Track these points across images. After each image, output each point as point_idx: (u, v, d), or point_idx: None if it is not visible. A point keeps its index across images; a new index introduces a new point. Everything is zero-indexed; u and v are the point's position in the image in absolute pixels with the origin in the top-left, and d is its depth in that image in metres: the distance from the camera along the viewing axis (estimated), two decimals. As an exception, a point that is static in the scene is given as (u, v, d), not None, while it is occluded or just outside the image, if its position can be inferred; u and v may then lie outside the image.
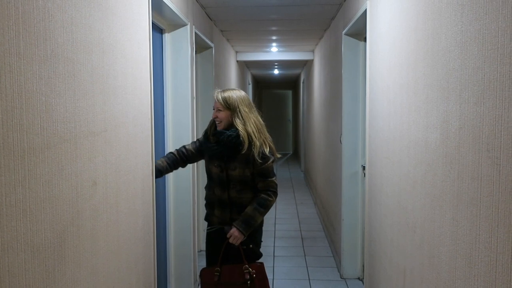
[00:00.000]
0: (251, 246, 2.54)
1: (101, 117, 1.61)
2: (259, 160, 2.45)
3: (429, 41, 1.67)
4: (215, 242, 2.59)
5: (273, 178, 2.53)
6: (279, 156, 2.63)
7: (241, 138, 2.44)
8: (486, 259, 1.20)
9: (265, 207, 2.49)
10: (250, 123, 2.47)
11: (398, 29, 2.15)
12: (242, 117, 2.47)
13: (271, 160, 2.51)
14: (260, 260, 2.64)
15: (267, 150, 2.48)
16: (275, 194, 2.54)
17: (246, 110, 2.48)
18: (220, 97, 2.51)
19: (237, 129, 2.45)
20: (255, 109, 2.58)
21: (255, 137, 2.45)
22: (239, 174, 2.47)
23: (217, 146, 2.49)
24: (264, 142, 2.50)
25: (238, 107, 2.48)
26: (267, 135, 2.58)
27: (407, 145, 1.98)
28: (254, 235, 2.57)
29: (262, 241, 2.69)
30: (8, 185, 1.06)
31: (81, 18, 1.45)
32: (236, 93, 2.53)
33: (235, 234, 2.44)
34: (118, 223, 1.81)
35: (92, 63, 1.52)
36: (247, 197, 2.52)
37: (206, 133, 2.60)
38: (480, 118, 1.23)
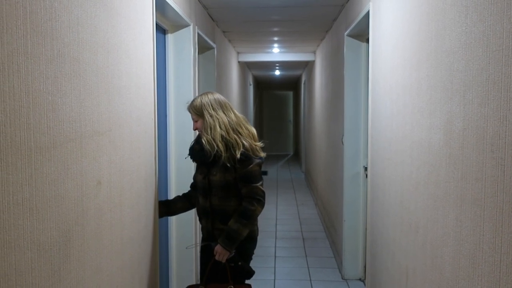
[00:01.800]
0: (239, 263, 2.34)
1: (105, 117, 1.62)
2: (237, 164, 2.27)
3: (432, 42, 1.68)
4: (204, 260, 2.47)
5: (258, 184, 2.29)
6: (263, 155, 2.38)
7: (205, 149, 2.30)
8: (490, 259, 1.20)
9: (248, 217, 2.26)
10: (217, 127, 2.29)
11: (401, 30, 2.16)
12: (207, 122, 2.32)
13: (254, 163, 2.29)
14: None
15: (238, 153, 2.25)
16: (260, 202, 2.28)
17: (212, 113, 2.32)
18: (190, 108, 2.41)
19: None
20: (228, 106, 2.39)
21: (223, 139, 2.28)
22: (219, 180, 2.31)
23: (202, 152, 2.36)
24: (236, 142, 2.28)
25: (203, 112, 2.34)
26: (247, 131, 2.37)
27: (410, 145, 1.99)
28: (243, 248, 2.37)
29: (254, 253, 2.49)
30: (16, 184, 1.06)
31: (87, 18, 1.46)
32: (203, 98, 2.38)
33: (219, 251, 2.27)
34: (122, 222, 1.81)
35: (97, 63, 1.53)
36: (231, 205, 2.33)
37: (193, 143, 2.50)
38: (485, 119, 1.23)
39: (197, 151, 2.40)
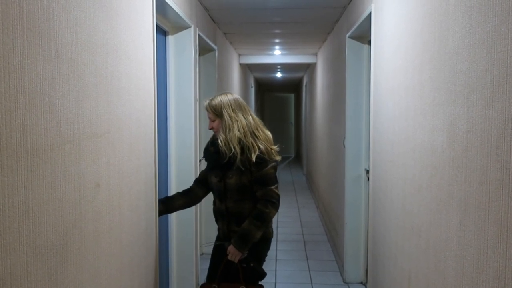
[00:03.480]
0: (252, 264, 2.35)
1: (104, 118, 1.60)
2: (253, 168, 2.27)
3: (435, 43, 1.66)
4: (216, 258, 2.49)
5: (273, 187, 2.29)
6: (278, 158, 2.38)
7: (220, 150, 2.30)
8: (495, 265, 1.18)
9: (261, 220, 2.26)
10: (235, 128, 2.29)
11: (403, 31, 2.14)
12: (226, 123, 2.31)
13: (269, 166, 2.29)
14: (263, 265, 2.50)
15: (253, 156, 2.25)
16: (274, 205, 2.28)
17: (231, 114, 2.31)
18: (208, 106, 2.39)
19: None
20: (246, 109, 2.39)
21: (240, 142, 2.27)
22: (235, 183, 2.31)
23: (217, 154, 2.35)
24: (253, 145, 2.27)
25: (222, 112, 2.33)
26: (264, 134, 2.37)
27: (412, 148, 1.96)
28: (256, 250, 2.38)
29: (267, 255, 2.51)
30: (11, 186, 1.04)
31: (86, 19, 1.44)
32: (223, 98, 2.37)
33: (231, 251, 2.29)
34: (121, 225, 1.79)
35: (96, 64, 1.51)
36: (246, 207, 2.33)
37: (208, 144, 2.48)
38: (489, 121, 1.21)
39: (211, 153, 2.40)
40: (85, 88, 1.43)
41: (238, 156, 2.27)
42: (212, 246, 2.61)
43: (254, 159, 2.26)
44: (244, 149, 2.28)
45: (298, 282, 4.05)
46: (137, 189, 2.02)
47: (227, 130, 2.30)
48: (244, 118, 2.34)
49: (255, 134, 2.33)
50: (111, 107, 1.66)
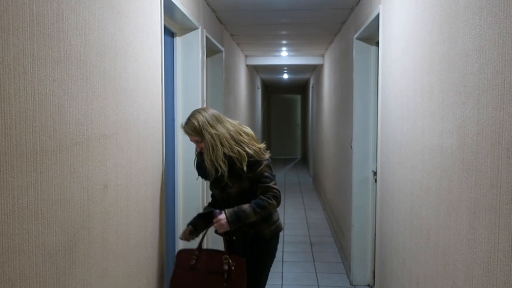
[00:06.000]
0: (257, 264, 2.35)
1: (112, 120, 1.60)
2: (248, 174, 2.28)
3: (445, 45, 1.65)
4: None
5: (271, 183, 2.32)
6: (268, 156, 2.37)
7: (208, 171, 2.31)
8: (506, 268, 1.17)
9: (262, 207, 2.27)
10: (218, 146, 2.26)
11: (412, 32, 2.13)
12: (208, 142, 2.27)
13: (263, 165, 2.31)
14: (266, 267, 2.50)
15: (245, 165, 2.26)
16: (276, 198, 2.31)
17: (212, 131, 2.27)
18: (188, 130, 2.33)
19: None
20: (222, 118, 2.34)
21: (227, 157, 2.27)
22: (236, 190, 2.33)
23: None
24: (240, 154, 2.27)
25: (203, 132, 2.28)
26: (247, 136, 2.34)
27: (421, 150, 1.95)
28: (269, 246, 2.42)
29: (275, 256, 2.51)
30: (21, 187, 1.05)
31: (94, 21, 1.45)
32: (199, 117, 2.31)
33: (221, 222, 2.26)
34: (128, 226, 1.79)
35: (104, 65, 1.52)
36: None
37: (198, 161, 2.45)
38: (500, 124, 1.20)
39: (205, 169, 2.37)
40: (93, 90, 1.44)
41: (226, 173, 2.27)
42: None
43: (245, 167, 2.26)
44: (234, 161, 2.27)
45: (305, 284, 4.03)
46: (145, 191, 2.02)
47: (211, 150, 2.28)
48: (224, 128, 2.30)
49: (240, 140, 2.31)
50: (119, 109, 1.67)
